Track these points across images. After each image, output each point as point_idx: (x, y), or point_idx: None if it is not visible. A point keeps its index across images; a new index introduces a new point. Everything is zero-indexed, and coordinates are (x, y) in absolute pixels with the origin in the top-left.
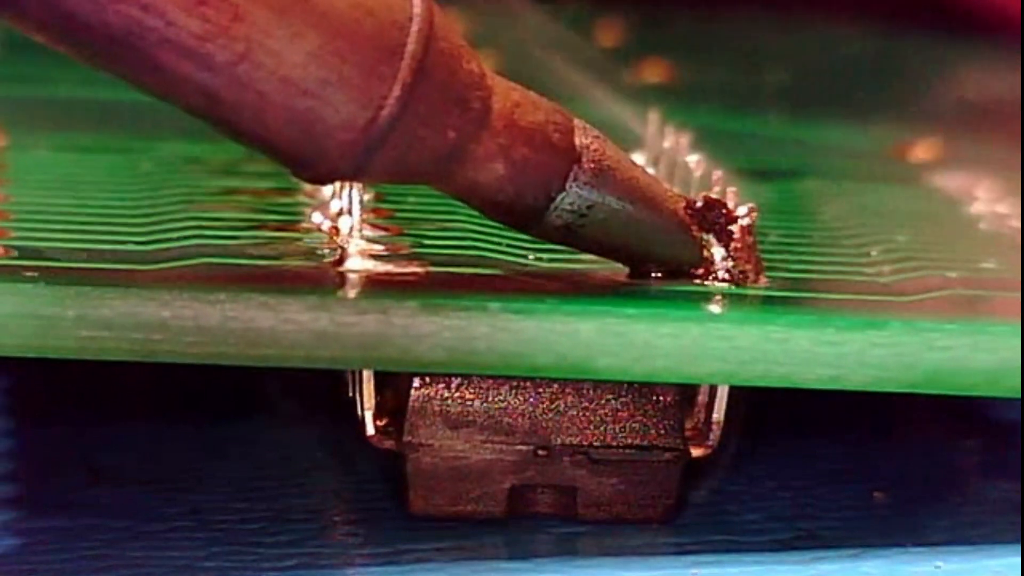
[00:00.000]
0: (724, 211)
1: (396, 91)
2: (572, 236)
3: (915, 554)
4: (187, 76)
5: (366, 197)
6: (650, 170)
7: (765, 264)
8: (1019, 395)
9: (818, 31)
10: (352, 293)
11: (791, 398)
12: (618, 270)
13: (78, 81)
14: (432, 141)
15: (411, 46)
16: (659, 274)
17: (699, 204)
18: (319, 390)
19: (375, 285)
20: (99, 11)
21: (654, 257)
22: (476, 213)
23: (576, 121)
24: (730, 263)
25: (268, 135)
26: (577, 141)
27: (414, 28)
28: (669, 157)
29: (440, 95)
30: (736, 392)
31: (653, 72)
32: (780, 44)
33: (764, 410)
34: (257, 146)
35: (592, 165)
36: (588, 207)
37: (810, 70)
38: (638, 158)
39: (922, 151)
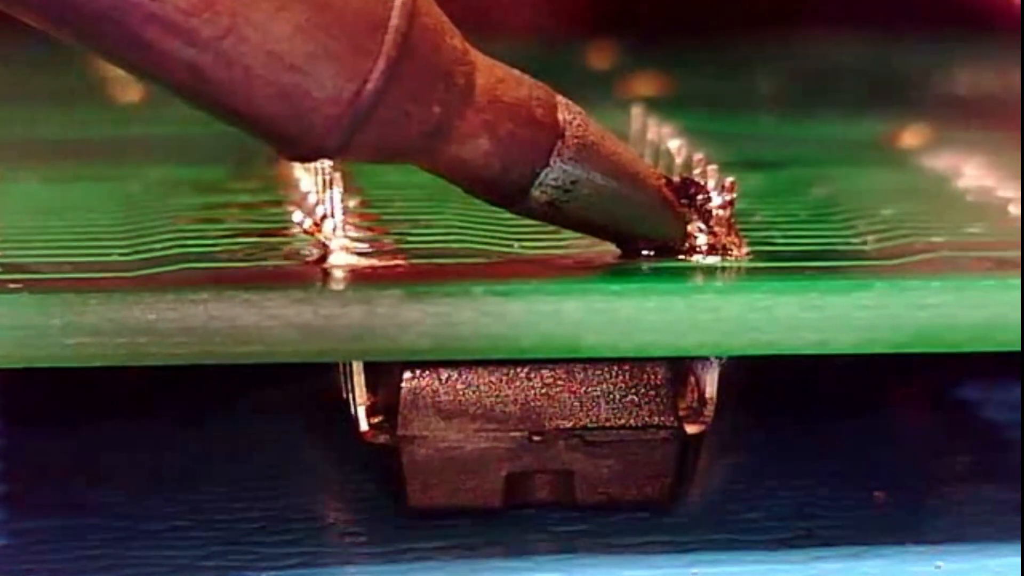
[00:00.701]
0: (701, 187)
1: (381, 65)
2: (557, 212)
3: (915, 554)
4: (173, 52)
5: (351, 203)
6: None
7: (748, 240)
8: (1012, 348)
9: (807, 33)
10: (335, 285)
11: (792, 397)
12: (607, 251)
13: (66, 123)
14: (418, 116)
15: (395, 20)
16: (649, 252)
17: (677, 181)
18: (317, 392)
19: (358, 278)
20: None
21: (639, 233)
22: (462, 211)
23: (558, 97)
24: (713, 237)
25: (254, 111)
26: (560, 117)
27: (398, 2)
28: (653, 149)
29: (425, 69)
30: (732, 374)
31: (643, 84)
32: (770, 48)
33: (765, 410)
34: (243, 123)
35: (576, 140)
36: (572, 182)
37: (800, 71)
38: None
39: (911, 137)
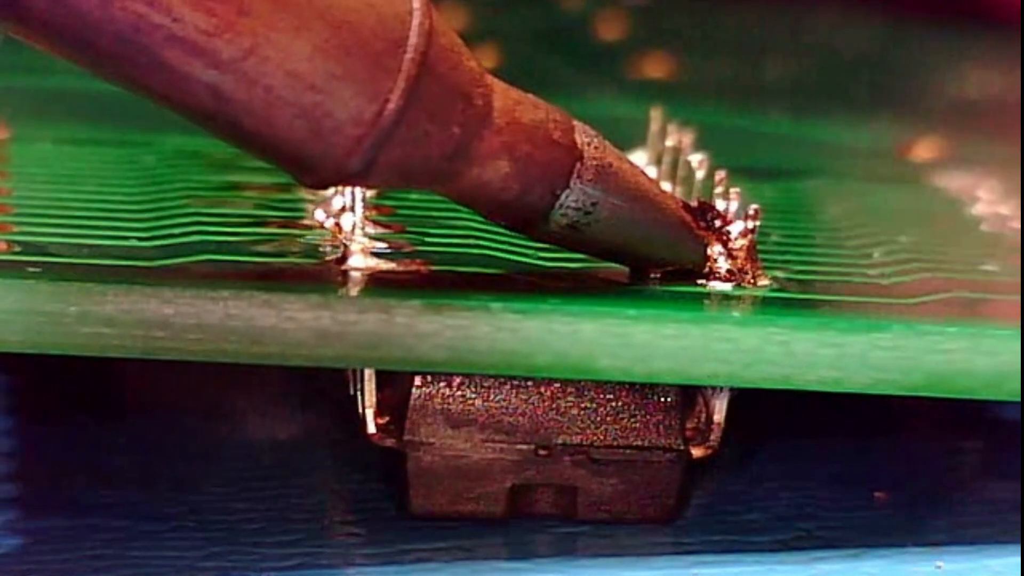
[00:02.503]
0: (720, 214)
1: (401, 84)
2: (577, 235)
3: (915, 554)
4: (194, 74)
5: (368, 194)
6: (652, 168)
7: (766, 265)
8: (1019, 399)
9: (821, 28)
10: (354, 291)
11: (792, 399)
12: (620, 271)
13: (80, 72)
14: (438, 137)
15: (413, 39)
16: (658, 276)
17: (694, 205)
18: (320, 389)
19: (377, 283)
20: (104, 8)
21: (659, 257)
22: None
23: (574, 121)
24: (731, 264)
25: (276, 133)
26: (578, 139)
27: (415, 21)
28: (672, 155)
29: (444, 89)
30: (737, 393)
31: (656, 68)
32: (784, 41)
33: (765, 411)
34: (263, 148)
35: (594, 162)
36: (592, 204)
37: (813, 67)
38: (640, 156)
39: (924, 150)
